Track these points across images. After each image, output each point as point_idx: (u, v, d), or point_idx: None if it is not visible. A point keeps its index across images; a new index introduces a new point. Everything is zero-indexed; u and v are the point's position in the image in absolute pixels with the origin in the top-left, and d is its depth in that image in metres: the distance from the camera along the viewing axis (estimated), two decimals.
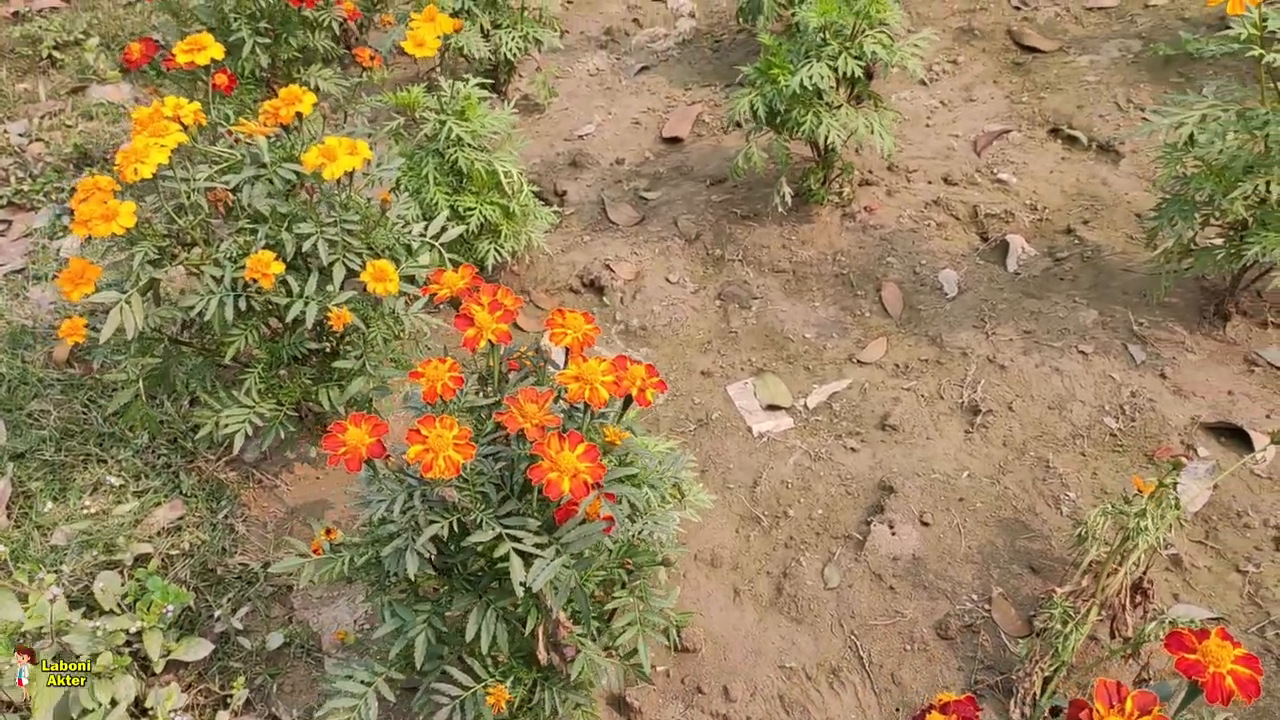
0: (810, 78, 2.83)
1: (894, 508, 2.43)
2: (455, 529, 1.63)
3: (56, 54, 4.87)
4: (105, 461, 2.82)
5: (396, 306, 2.39)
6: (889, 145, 2.99)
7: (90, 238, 3.69)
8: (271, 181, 2.40)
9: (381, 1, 4.06)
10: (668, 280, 3.18)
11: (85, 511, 2.68)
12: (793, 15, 3.13)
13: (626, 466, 1.72)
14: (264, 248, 2.30)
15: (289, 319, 2.26)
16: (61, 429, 2.92)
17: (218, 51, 2.47)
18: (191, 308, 2.28)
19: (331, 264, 2.29)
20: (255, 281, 2.20)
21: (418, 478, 1.67)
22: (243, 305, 2.27)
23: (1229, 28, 2.46)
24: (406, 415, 2.84)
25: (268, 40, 3.03)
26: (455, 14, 3.71)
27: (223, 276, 2.28)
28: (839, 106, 2.98)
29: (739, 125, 3.50)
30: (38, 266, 3.57)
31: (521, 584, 1.52)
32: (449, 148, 2.88)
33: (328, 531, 1.89)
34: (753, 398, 2.79)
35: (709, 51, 4.23)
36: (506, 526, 1.58)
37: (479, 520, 1.60)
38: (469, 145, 2.90)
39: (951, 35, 3.98)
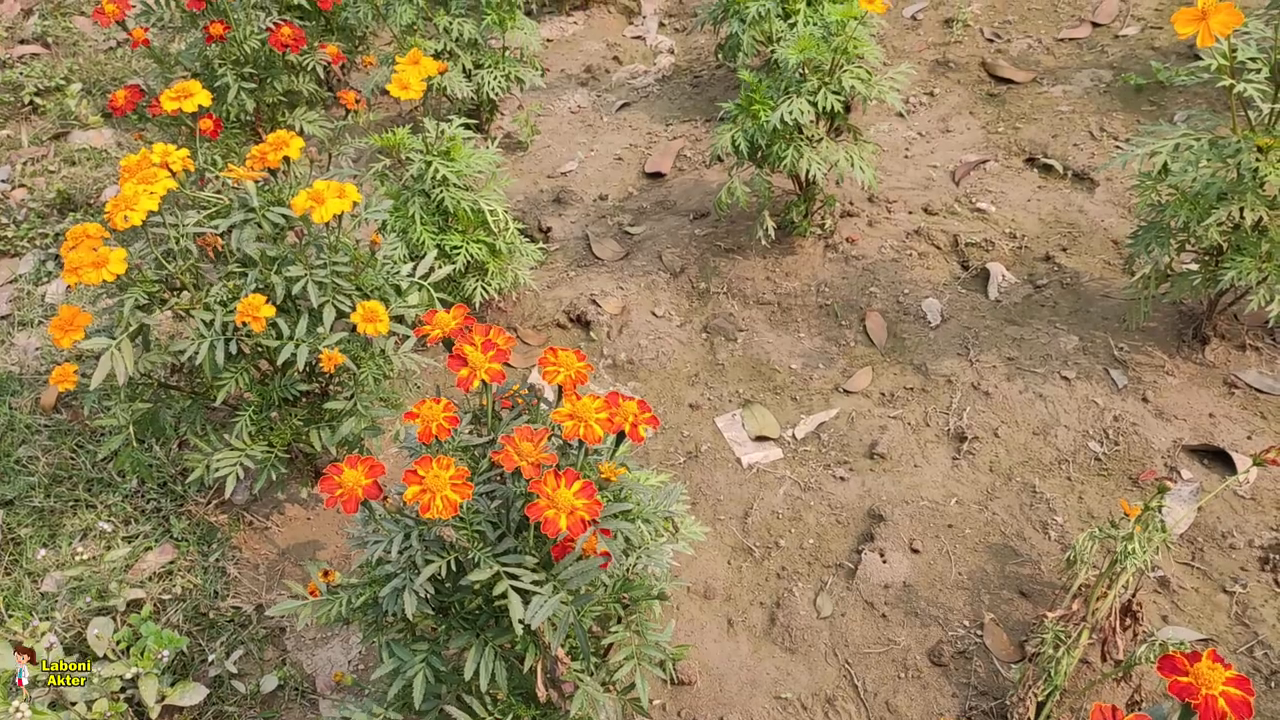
0: (790, 113, 2.88)
1: (884, 536, 2.45)
2: (453, 568, 1.64)
3: (38, 100, 4.88)
4: (95, 507, 2.82)
5: (386, 346, 2.41)
6: (869, 178, 3.04)
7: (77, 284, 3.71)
8: (260, 225, 2.42)
9: (363, 44, 4.11)
10: (654, 314, 3.20)
11: (77, 557, 2.67)
12: (771, 52, 3.18)
13: (621, 502, 1.73)
14: (254, 291, 2.32)
15: (280, 361, 2.28)
16: (50, 474, 2.92)
17: (205, 98, 2.50)
18: (182, 352, 2.29)
19: (321, 306, 2.31)
20: (246, 325, 2.22)
21: (415, 518, 1.68)
22: (233, 349, 2.28)
23: (1199, 57, 2.52)
24: (400, 454, 2.85)
25: (253, 85, 3.06)
26: (438, 55, 3.75)
27: (213, 320, 2.30)
28: (819, 140, 3.03)
29: (720, 160, 3.55)
30: (23, 313, 3.57)
31: (520, 621, 1.54)
32: (435, 188, 2.91)
33: (325, 573, 1.89)
34: (741, 429, 2.82)
35: (689, 87, 4.29)
36: (504, 564, 1.60)
37: (476, 559, 1.61)
38: (454, 185, 2.93)
39: (927, 68, 4.04)
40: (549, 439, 1.65)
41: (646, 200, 3.68)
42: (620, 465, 1.72)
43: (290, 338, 2.30)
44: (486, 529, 1.66)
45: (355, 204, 2.33)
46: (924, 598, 2.34)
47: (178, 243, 2.34)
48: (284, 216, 2.44)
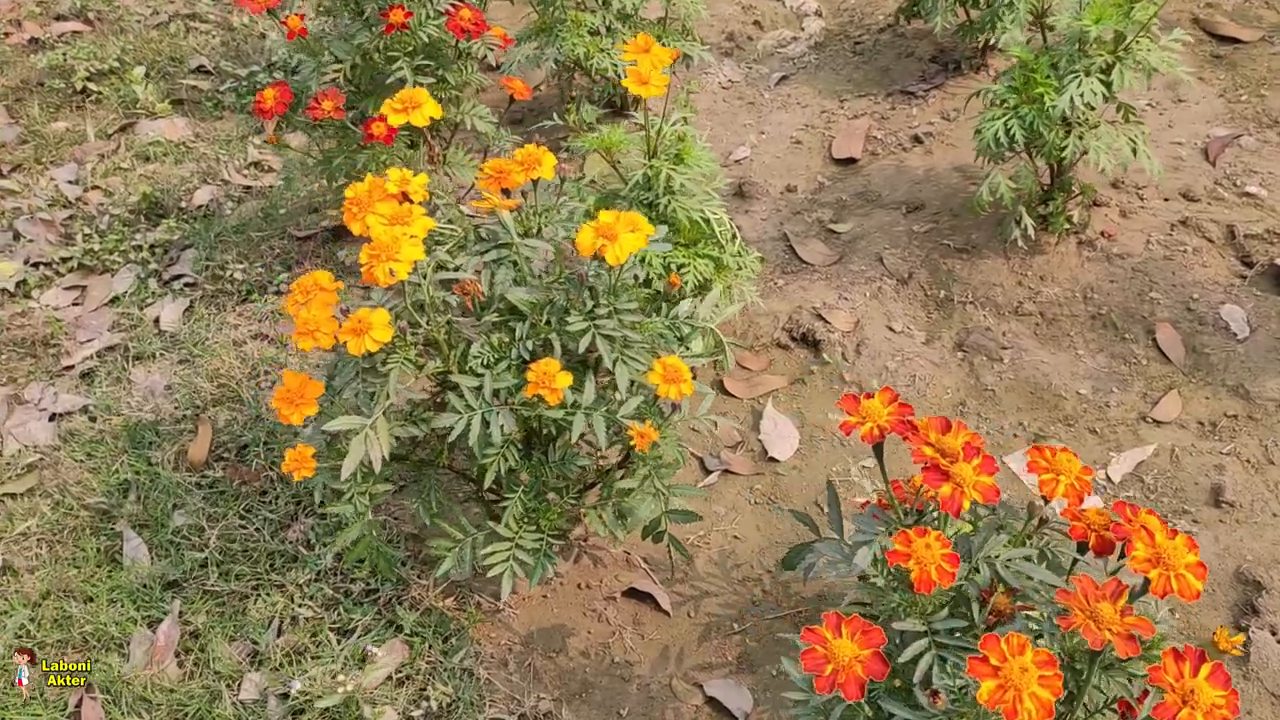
0: (1082, 95, 2.44)
1: (1271, 608, 2.06)
2: None
3: (92, 86, 4.36)
4: (283, 587, 2.38)
5: (689, 409, 1.98)
6: (1156, 167, 2.61)
7: (193, 304, 3.23)
8: (515, 264, 1.98)
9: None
10: (890, 329, 2.78)
11: (278, 654, 2.24)
12: (1044, 21, 2.71)
13: None
14: (531, 349, 1.88)
15: (574, 437, 1.84)
16: (221, 548, 2.48)
17: (435, 109, 2.03)
18: (447, 429, 1.85)
19: (614, 365, 1.87)
20: (539, 396, 1.78)
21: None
22: (509, 423, 1.85)
23: None
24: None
25: (432, 80, 2.58)
26: (593, 33, 3.27)
27: (480, 387, 1.86)
28: (1096, 125, 2.59)
29: (919, 141, 3.14)
30: (138, 344, 3.09)
31: None
32: (663, 196, 2.46)
33: None
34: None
35: (851, 55, 3.82)
36: None
37: None
38: (681, 193, 2.49)
39: None
40: (1126, 598, 1.23)
41: (843, 191, 3.23)
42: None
43: (575, 405, 1.86)
44: None
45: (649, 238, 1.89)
46: None
47: (428, 291, 1.88)
48: (544, 251, 2.00)
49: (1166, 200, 2.95)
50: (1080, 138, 2.54)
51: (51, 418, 2.91)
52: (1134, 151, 2.58)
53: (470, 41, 2.62)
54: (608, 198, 2.56)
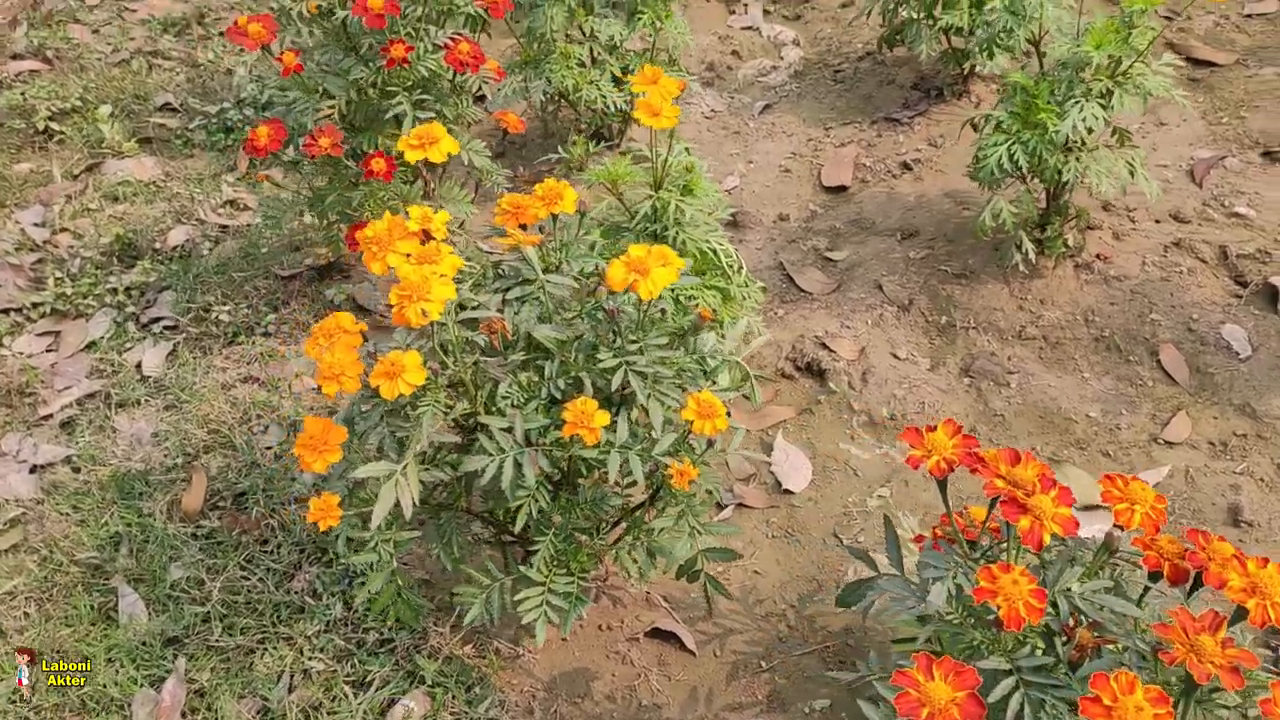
0: (1084, 120, 2.46)
1: None
2: None
3: (54, 125, 4.25)
4: (292, 640, 2.30)
5: (722, 445, 1.94)
6: (1154, 189, 2.64)
7: (176, 347, 3.13)
8: (540, 300, 1.94)
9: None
10: (895, 357, 2.77)
11: (292, 710, 2.16)
12: (1039, 49, 2.73)
13: None
14: (561, 387, 1.84)
15: (611, 476, 1.79)
16: (222, 600, 2.39)
17: (452, 145, 1.99)
18: (474, 471, 1.79)
19: (647, 401, 1.83)
20: (577, 437, 1.74)
21: None
22: (544, 464, 1.80)
23: None
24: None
25: (431, 114, 2.53)
26: (580, 64, 3.25)
27: (511, 428, 1.81)
28: (1095, 149, 2.62)
29: (908, 168, 3.16)
30: (120, 390, 2.99)
31: None
32: (671, 228, 2.43)
33: None
34: None
35: (832, 83, 3.84)
36: None
37: None
38: (689, 224, 2.46)
39: None
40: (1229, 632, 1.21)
41: (836, 219, 3.23)
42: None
43: (609, 444, 1.82)
44: None
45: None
46: None
47: (454, 331, 1.83)
48: (570, 288, 1.97)
49: (1157, 222, 2.98)
50: (1078, 160, 2.56)
51: (32, 469, 2.80)
52: (1131, 174, 2.61)
53: (466, 75, 2.58)
54: (612, 231, 2.52)
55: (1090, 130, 2.49)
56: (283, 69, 2.46)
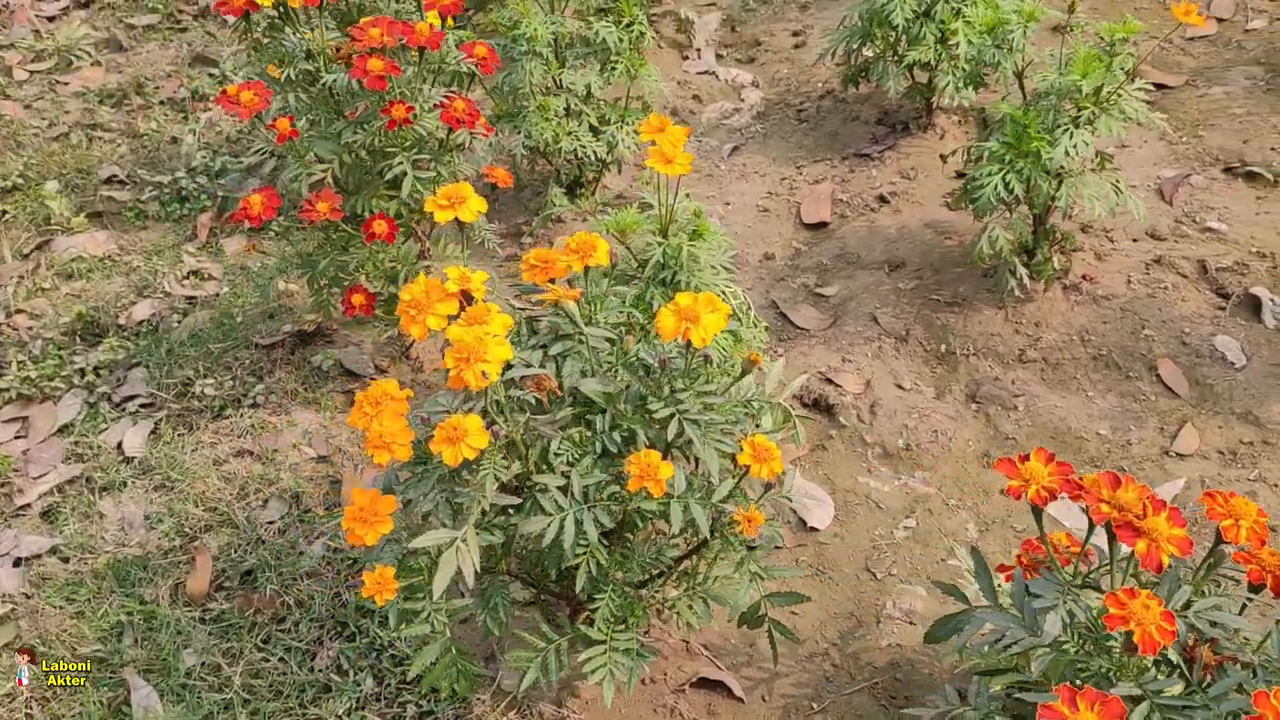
0: (1075, 146, 2.53)
1: None
2: None
3: None
4: None
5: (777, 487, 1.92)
6: (1141, 209, 2.71)
7: (158, 425, 3.02)
8: (582, 354, 1.91)
9: None
10: (900, 387, 2.79)
11: None
12: (1023, 80, 2.79)
13: None
14: (616, 440, 1.81)
15: (675, 528, 1.76)
16: (243, 685, 2.29)
17: (480, 204, 1.96)
18: (539, 534, 1.75)
19: (704, 448, 1.81)
20: (641, 492, 1.70)
21: None
22: (605, 519, 1.76)
23: None
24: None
25: (431, 174, 2.50)
26: (559, 116, 3.24)
27: (568, 485, 1.77)
28: (1081, 173, 2.68)
29: (885, 201, 3.21)
30: (103, 474, 2.87)
31: None
32: (682, 273, 2.42)
33: None
34: (1083, 515, 2.43)
35: (796, 122, 3.88)
36: None
37: None
38: (697, 269, 2.46)
39: None
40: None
41: (821, 255, 3.25)
42: None
43: (668, 495, 1.79)
44: None
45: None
46: None
47: (502, 391, 1.79)
48: (609, 340, 1.94)
49: (1135, 241, 3.06)
50: (1070, 186, 2.62)
51: (16, 563, 2.66)
52: (1117, 195, 2.68)
53: (461, 132, 2.55)
54: (620, 279, 2.51)
55: (1080, 156, 2.56)
56: (278, 136, 2.40)
